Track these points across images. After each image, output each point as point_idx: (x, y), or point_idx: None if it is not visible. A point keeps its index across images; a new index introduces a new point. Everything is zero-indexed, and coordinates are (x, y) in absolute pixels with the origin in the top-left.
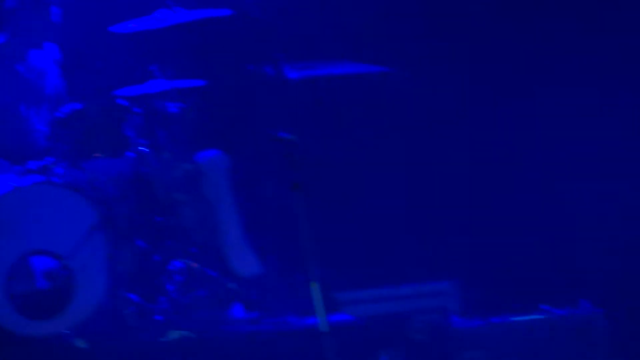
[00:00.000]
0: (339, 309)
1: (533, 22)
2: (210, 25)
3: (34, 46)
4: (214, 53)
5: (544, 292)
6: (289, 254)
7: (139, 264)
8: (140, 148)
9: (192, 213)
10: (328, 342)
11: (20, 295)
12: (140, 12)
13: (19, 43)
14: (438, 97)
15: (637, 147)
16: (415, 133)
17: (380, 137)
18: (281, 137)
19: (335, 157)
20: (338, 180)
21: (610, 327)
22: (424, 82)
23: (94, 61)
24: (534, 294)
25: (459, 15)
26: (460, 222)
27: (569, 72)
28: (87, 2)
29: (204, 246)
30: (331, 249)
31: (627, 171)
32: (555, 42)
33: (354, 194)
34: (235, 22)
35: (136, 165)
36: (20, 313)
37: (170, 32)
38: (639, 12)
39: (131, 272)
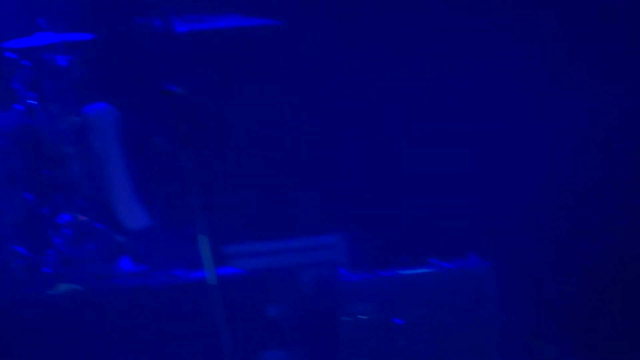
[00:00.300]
0: (227, 263)
1: None
2: None
3: None
4: (102, 6)
5: (432, 246)
6: (178, 207)
7: (27, 217)
8: (28, 101)
9: (81, 166)
10: (216, 295)
11: None
12: None
13: None
14: (325, 50)
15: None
16: (304, 86)
17: (268, 90)
18: (170, 90)
19: (223, 110)
20: (226, 134)
21: (497, 280)
22: (310, 35)
23: None
24: (422, 247)
25: None
26: (349, 176)
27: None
28: None
29: (92, 199)
30: (220, 202)
31: (515, 128)
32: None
33: (242, 147)
34: None
35: (24, 118)
36: None
37: None
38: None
39: (19, 224)
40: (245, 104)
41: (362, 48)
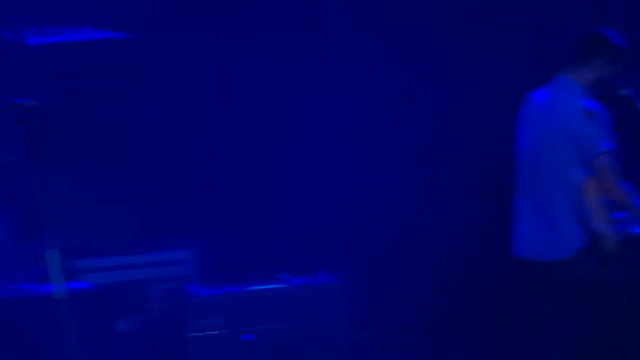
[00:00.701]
0: (76, 277)
1: None
2: None
3: None
4: None
5: (281, 262)
6: (26, 220)
7: None
8: None
9: None
10: (64, 309)
11: None
12: None
13: None
14: (176, 63)
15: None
16: (155, 100)
17: (120, 104)
18: (19, 103)
19: (73, 123)
20: (76, 147)
21: (346, 295)
22: (163, 49)
23: None
24: (271, 263)
25: None
26: (197, 191)
27: None
28: None
29: None
30: (71, 216)
31: (361, 144)
32: None
33: (92, 161)
34: None
35: None
36: None
37: None
38: None
39: None
40: (96, 118)
41: (212, 63)
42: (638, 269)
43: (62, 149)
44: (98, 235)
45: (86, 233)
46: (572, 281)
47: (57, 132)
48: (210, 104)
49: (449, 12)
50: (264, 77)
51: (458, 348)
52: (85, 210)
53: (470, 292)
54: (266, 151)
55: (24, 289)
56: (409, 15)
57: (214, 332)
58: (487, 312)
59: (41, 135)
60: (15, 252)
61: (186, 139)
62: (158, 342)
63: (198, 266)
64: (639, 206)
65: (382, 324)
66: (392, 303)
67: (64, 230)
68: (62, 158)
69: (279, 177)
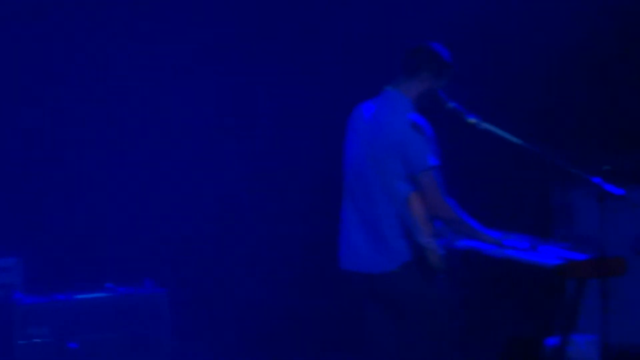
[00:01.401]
0: None
1: None
2: None
3: None
4: None
5: (108, 271)
6: None
7: None
8: None
9: None
10: None
11: None
12: None
13: None
14: None
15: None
16: None
17: None
18: None
19: None
20: None
21: (172, 304)
22: None
23: None
24: (98, 272)
25: None
26: (25, 198)
27: None
28: None
29: None
30: None
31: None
32: None
33: None
34: None
35: None
36: None
37: None
38: None
39: None
40: None
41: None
42: (461, 283)
43: None
44: None
45: None
46: (397, 294)
47: None
48: (33, 114)
49: (276, 22)
50: (91, 79)
51: (286, 357)
52: None
53: (300, 303)
54: (94, 160)
55: None
56: (228, 23)
57: (41, 340)
58: (315, 322)
59: None
60: None
61: (13, 145)
62: None
63: (25, 274)
64: (465, 220)
65: (208, 333)
66: (219, 312)
67: None
68: None
69: (107, 186)
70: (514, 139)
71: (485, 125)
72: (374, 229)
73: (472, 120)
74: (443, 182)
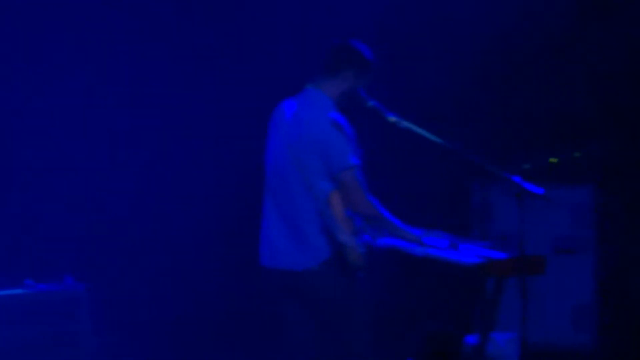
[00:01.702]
0: None
1: None
2: None
3: None
4: None
5: (28, 267)
6: None
7: None
8: None
9: None
10: None
11: None
12: None
13: None
14: None
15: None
16: None
17: None
18: None
19: None
20: None
21: (91, 301)
22: None
23: None
24: (18, 268)
25: None
26: None
27: None
28: None
29: None
30: None
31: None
32: None
33: None
34: None
35: None
36: None
37: None
38: None
39: None
40: None
41: None
42: (381, 281)
43: None
44: None
45: None
46: (316, 291)
47: None
48: None
49: (198, 20)
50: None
51: (205, 353)
52: None
53: (220, 299)
54: (11, 157)
55: None
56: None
57: None
58: (234, 318)
59: None
60: None
61: None
62: None
63: None
64: (386, 218)
65: (128, 330)
66: (138, 309)
67: None
68: None
69: (25, 183)
70: (433, 138)
71: (406, 124)
72: (294, 226)
73: (393, 118)
74: (364, 180)
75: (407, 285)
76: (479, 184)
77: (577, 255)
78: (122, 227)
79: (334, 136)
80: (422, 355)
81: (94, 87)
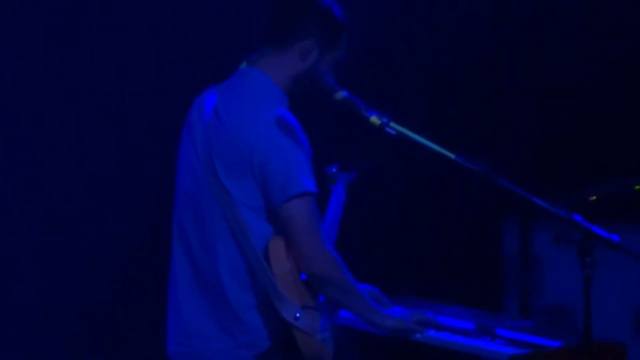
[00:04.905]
0: None
1: None
2: None
3: None
4: None
5: None
6: None
7: None
8: None
9: None
10: None
11: None
12: None
13: None
14: None
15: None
16: None
17: None
18: None
19: None
20: None
21: None
22: None
23: None
24: None
25: None
26: None
27: None
28: None
29: None
30: None
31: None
32: None
33: None
34: None
35: None
36: None
37: None
38: None
39: None
40: None
41: None
42: None
43: None
44: None
45: None
46: None
47: None
48: None
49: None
50: None
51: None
52: None
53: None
54: None
55: None
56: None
57: None
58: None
59: None
60: None
61: None
62: None
63: None
64: (351, 284)
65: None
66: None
67: None
68: None
69: None
70: (442, 151)
71: (397, 128)
72: (214, 294)
73: (375, 119)
74: (319, 217)
75: None
76: (515, 222)
77: None
78: (29, 231)
79: (277, 145)
80: None
81: None
